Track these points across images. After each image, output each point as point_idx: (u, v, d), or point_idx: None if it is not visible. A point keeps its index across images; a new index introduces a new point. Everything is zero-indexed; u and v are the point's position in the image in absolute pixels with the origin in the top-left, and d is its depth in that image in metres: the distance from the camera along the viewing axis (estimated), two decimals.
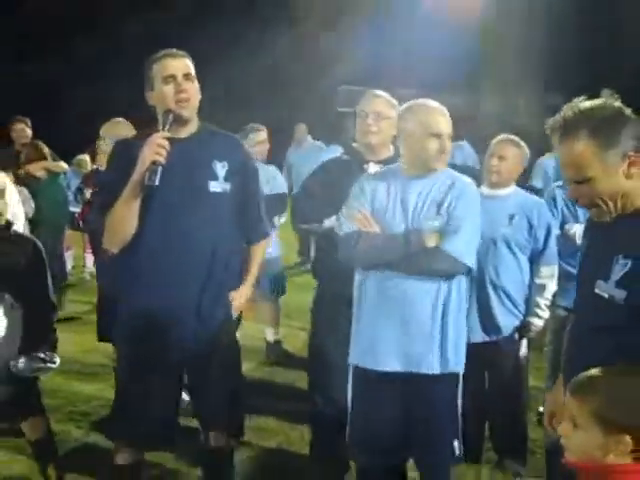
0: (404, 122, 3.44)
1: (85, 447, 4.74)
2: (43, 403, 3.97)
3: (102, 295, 5.20)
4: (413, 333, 3.33)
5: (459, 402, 3.45)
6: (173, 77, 3.28)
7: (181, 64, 3.31)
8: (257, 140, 6.47)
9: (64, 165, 8.26)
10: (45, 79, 16.41)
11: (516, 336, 4.31)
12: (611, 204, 2.35)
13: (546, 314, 4.35)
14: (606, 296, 2.33)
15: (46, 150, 7.83)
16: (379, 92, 4.05)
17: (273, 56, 17.71)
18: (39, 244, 3.92)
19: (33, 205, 6.73)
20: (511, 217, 4.25)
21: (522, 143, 4.35)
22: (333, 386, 3.87)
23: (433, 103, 3.45)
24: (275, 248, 6.40)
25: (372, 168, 3.90)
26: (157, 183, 3.15)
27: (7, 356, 3.56)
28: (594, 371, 2.05)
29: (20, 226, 4.69)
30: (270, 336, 6.75)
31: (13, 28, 17.99)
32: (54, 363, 3.76)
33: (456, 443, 3.41)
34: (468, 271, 3.40)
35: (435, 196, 3.34)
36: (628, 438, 1.95)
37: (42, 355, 3.70)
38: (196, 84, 3.35)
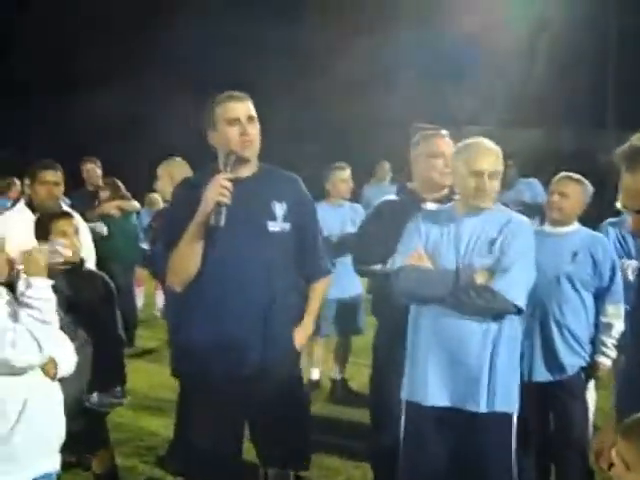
0: (454, 161, 3.51)
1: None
2: (110, 437, 4.06)
3: (170, 331, 5.28)
4: (461, 370, 3.32)
5: (513, 444, 3.39)
6: (237, 120, 3.35)
7: (245, 107, 3.39)
8: (341, 178, 6.56)
9: (136, 204, 8.48)
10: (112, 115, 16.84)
11: (582, 376, 4.23)
12: None
13: (613, 353, 4.25)
14: None
15: (122, 188, 8.06)
16: (444, 132, 4.09)
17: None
18: (108, 280, 4.05)
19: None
20: (574, 254, 4.20)
21: (584, 180, 4.31)
22: (393, 423, 3.85)
23: (482, 141, 3.48)
24: (357, 286, 6.47)
25: (430, 207, 3.93)
26: (223, 224, 3.22)
27: (78, 391, 3.66)
28: None
29: (91, 264, 4.83)
30: (336, 374, 6.77)
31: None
32: (124, 398, 3.86)
33: None
34: (518, 311, 3.36)
35: (488, 234, 3.36)
36: None
37: (112, 390, 3.80)
38: (258, 126, 3.42)
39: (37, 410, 3.00)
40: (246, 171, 3.42)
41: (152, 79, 16.98)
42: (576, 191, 4.28)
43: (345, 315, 6.55)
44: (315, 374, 6.72)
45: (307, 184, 3.61)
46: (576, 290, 4.19)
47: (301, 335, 3.55)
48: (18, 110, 17.17)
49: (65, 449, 3.28)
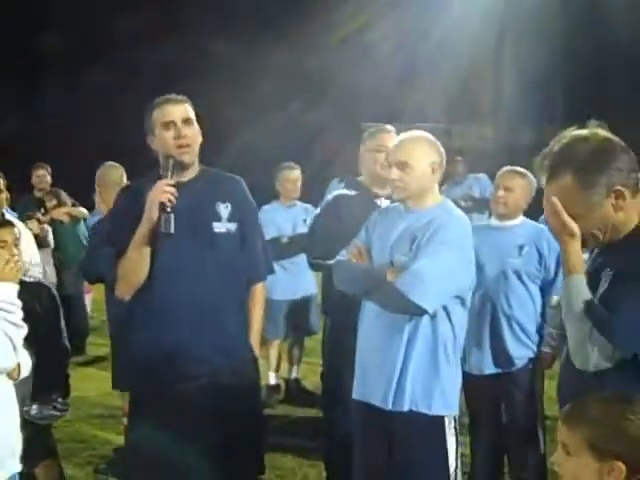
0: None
1: None
2: (56, 447, 3.99)
3: (115, 344, 5.22)
4: (377, 366, 3.28)
5: (449, 445, 3.29)
6: (173, 123, 3.30)
7: (180, 109, 3.33)
8: (289, 178, 6.55)
9: (84, 211, 8.38)
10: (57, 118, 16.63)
11: (530, 367, 4.26)
12: (600, 236, 2.34)
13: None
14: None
15: (64, 197, 7.96)
16: (390, 127, 4.10)
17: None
18: (53, 290, 3.98)
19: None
20: (521, 248, 4.23)
21: (529, 174, 4.33)
22: (345, 421, 3.85)
23: (404, 133, 3.47)
24: (309, 286, 6.46)
25: (383, 203, 3.95)
26: (173, 231, 3.18)
27: (19, 401, 3.59)
28: (585, 398, 2.04)
29: (37, 271, 4.74)
30: (290, 374, 6.76)
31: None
32: (65, 410, 3.79)
33: None
34: (422, 313, 3.18)
35: (413, 231, 3.29)
36: (621, 465, 1.93)
37: (54, 402, 3.73)
38: (196, 128, 3.36)
39: (5, 411, 3.00)
40: (188, 174, 3.38)
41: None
42: (521, 185, 4.29)
43: (297, 316, 6.54)
44: (273, 378, 6.68)
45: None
46: (523, 283, 4.22)
47: (253, 341, 3.51)
48: None
49: None
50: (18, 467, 3.08)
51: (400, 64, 17.93)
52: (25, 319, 3.18)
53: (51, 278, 7.38)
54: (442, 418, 3.28)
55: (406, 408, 3.23)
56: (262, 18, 18.36)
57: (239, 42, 17.23)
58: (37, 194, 8.03)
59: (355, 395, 3.40)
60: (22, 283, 3.49)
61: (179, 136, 3.29)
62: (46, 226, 7.45)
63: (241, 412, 3.35)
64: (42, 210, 7.63)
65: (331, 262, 3.90)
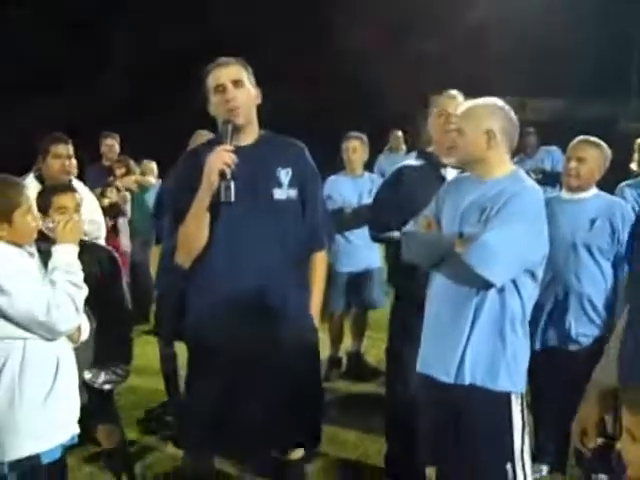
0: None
1: (163, 457, 4.75)
2: (117, 412, 4.01)
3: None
4: (441, 339, 3.19)
5: (514, 422, 3.18)
6: (222, 86, 3.26)
7: (229, 71, 3.29)
8: (353, 147, 6.41)
9: (152, 179, 8.44)
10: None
11: (596, 345, 4.10)
12: None
13: None
14: None
15: (133, 165, 8.01)
16: (455, 92, 3.97)
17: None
18: (115, 255, 3.98)
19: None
20: (592, 221, 4.08)
21: (602, 144, 4.16)
22: (408, 396, 3.78)
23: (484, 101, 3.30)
24: (373, 259, 6.37)
25: (450, 172, 3.84)
26: (233, 199, 3.15)
27: (81, 365, 3.61)
28: None
29: (99, 237, 4.78)
30: (353, 348, 6.71)
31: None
32: (125, 377, 3.80)
33: (509, 466, 3.16)
34: (490, 286, 3.06)
35: (483, 201, 3.15)
36: None
37: (114, 368, 3.75)
38: (248, 90, 3.31)
39: (67, 372, 3.03)
40: (247, 139, 3.33)
41: None
42: (594, 156, 4.13)
43: (360, 289, 6.45)
44: (335, 351, 6.61)
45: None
46: (594, 258, 4.08)
47: (313, 312, 3.48)
48: None
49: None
50: (77, 429, 3.11)
51: (475, 36, 17.64)
52: (86, 283, 3.21)
53: (126, 247, 7.47)
54: (508, 394, 3.17)
55: (468, 382, 3.14)
56: None
57: None
58: (106, 163, 8.09)
59: (419, 368, 3.32)
60: (82, 246, 3.52)
61: (227, 99, 3.24)
62: (126, 193, 7.51)
63: (299, 381, 3.34)
64: (111, 178, 7.68)
65: (394, 234, 3.83)
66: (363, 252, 6.19)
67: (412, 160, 4.20)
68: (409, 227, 3.39)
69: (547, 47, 17.45)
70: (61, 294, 2.89)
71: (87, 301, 3.48)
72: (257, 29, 16.95)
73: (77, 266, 3.02)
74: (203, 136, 5.40)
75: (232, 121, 3.25)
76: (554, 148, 8.69)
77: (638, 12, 17.69)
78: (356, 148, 6.42)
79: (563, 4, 17.04)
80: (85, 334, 3.20)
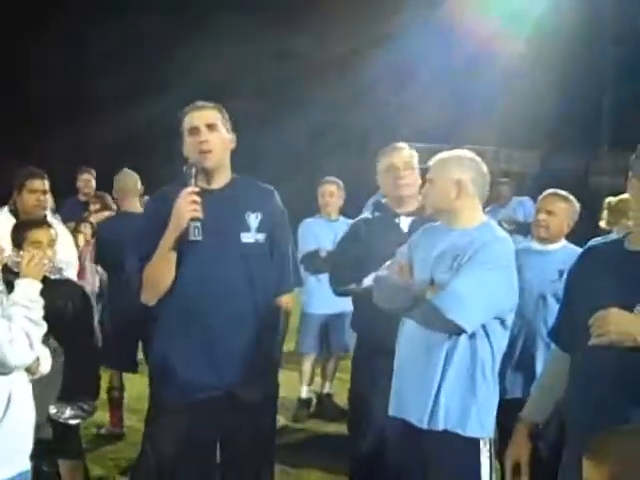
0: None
1: None
2: (82, 448, 4.00)
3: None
4: (415, 384, 3.22)
5: (482, 468, 3.21)
6: (197, 129, 3.30)
7: (205, 115, 3.33)
8: (330, 192, 6.50)
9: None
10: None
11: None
12: None
13: None
14: None
15: (109, 201, 8.01)
16: (401, 144, 4.07)
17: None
18: (87, 290, 4.00)
19: None
20: (561, 272, 4.13)
21: (571, 198, 4.27)
22: (371, 437, 3.82)
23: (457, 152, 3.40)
24: (346, 302, 6.36)
25: (404, 221, 3.93)
26: (201, 237, 3.18)
27: (47, 400, 3.61)
28: (609, 433, 1.96)
29: (72, 273, 4.78)
30: (323, 389, 6.72)
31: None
32: (90, 413, 3.79)
33: None
34: (460, 331, 3.10)
35: (455, 249, 3.22)
36: None
37: (80, 403, 3.74)
38: (221, 134, 3.34)
39: (19, 407, 2.99)
40: (217, 182, 3.37)
41: None
42: (562, 209, 4.23)
43: (333, 331, 6.48)
44: (305, 392, 6.62)
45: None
46: None
47: None
48: None
49: (37, 456, 3.26)
50: (27, 465, 3.07)
51: (448, 87, 17.89)
52: (56, 318, 3.22)
53: (93, 286, 7.42)
54: (477, 440, 3.21)
55: (441, 427, 3.18)
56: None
57: None
58: (82, 198, 8.10)
59: (391, 411, 3.34)
60: (55, 282, 3.54)
61: (200, 141, 3.28)
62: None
63: (254, 424, 3.34)
64: (86, 214, 7.68)
65: (352, 287, 3.91)
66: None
67: (367, 213, 4.27)
68: (381, 272, 3.45)
69: (521, 97, 17.74)
70: (16, 329, 2.88)
71: (57, 335, 3.50)
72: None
73: (37, 301, 3.00)
74: (129, 175, 6.04)
75: (201, 163, 3.28)
76: (526, 199, 8.84)
77: (606, 66, 18.12)
78: (332, 192, 6.50)
79: (537, 56, 17.40)
80: (46, 367, 3.18)
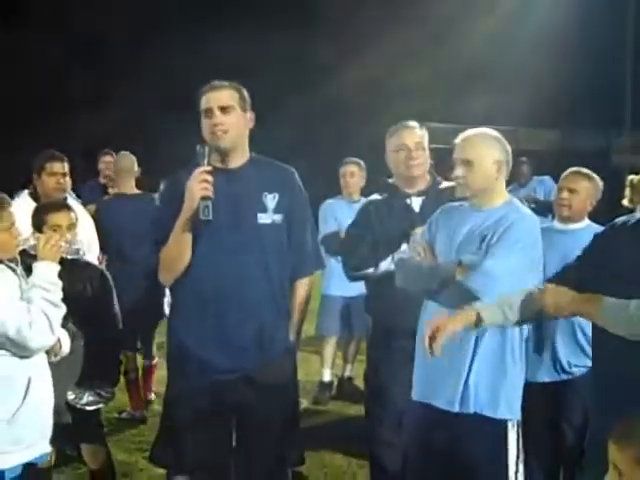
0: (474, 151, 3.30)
1: (151, 478, 4.70)
2: (102, 433, 4.00)
3: None
4: (441, 367, 3.19)
5: (510, 450, 3.22)
6: (210, 110, 3.28)
7: (219, 96, 3.30)
8: (352, 172, 6.45)
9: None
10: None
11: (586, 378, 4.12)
12: None
13: None
14: None
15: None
16: (412, 123, 4.00)
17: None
18: (107, 274, 3.99)
19: None
20: None
21: (594, 176, 4.20)
22: (386, 420, 3.83)
23: (489, 131, 3.37)
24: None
25: (415, 202, 3.88)
26: (211, 217, 3.17)
27: (66, 385, 3.60)
28: (635, 416, 1.94)
29: (92, 256, 4.77)
30: (344, 372, 6.72)
31: None
32: (109, 399, 3.79)
33: None
34: None
35: (483, 230, 3.21)
36: None
37: (98, 390, 3.73)
38: (237, 115, 3.31)
39: (39, 390, 3.02)
40: (234, 162, 3.35)
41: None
42: (585, 187, 4.16)
43: (353, 313, 6.46)
44: (327, 375, 6.61)
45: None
46: None
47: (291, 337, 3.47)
48: None
49: (57, 440, 3.28)
50: (47, 448, 3.10)
51: (468, 66, 17.77)
52: (75, 300, 3.22)
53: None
54: (506, 422, 3.22)
55: (472, 410, 3.18)
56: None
57: None
58: (102, 180, 8.09)
59: (416, 397, 3.33)
60: (73, 264, 3.52)
61: (214, 124, 3.26)
62: None
63: (274, 405, 3.33)
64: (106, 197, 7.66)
65: (369, 271, 3.86)
66: None
67: (376, 195, 4.19)
68: (403, 254, 3.42)
69: (541, 77, 17.60)
70: (36, 312, 2.89)
71: (75, 319, 3.50)
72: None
73: (56, 284, 3.02)
74: (126, 157, 6.18)
75: (213, 144, 3.27)
76: (546, 178, 8.76)
77: (628, 45, 17.92)
78: (354, 173, 6.46)
79: (558, 36, 17.23)
80: (66, 348, 3.20)
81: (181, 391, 3.38)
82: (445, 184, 3.91)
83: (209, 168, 3.20)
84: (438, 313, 3.22)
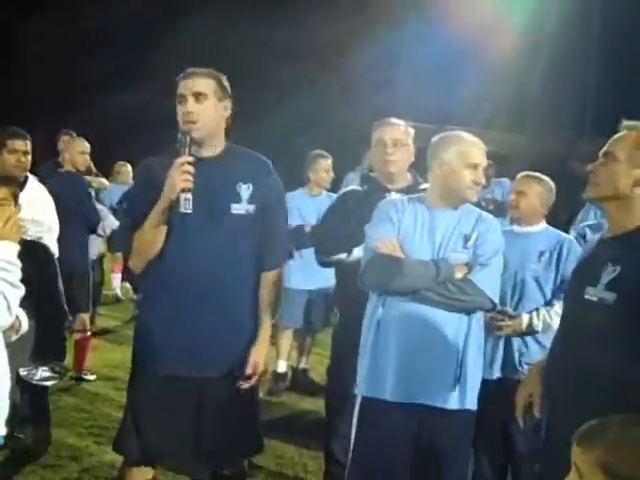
0: (440, 151, 3.38)
1: (101, 463, 4.67)
2: (49, 413, 3.98)
3: None
4: (430, 365, 3.25)
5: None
6: (184, 97, 3.23)
7: (194, 83, 3.24)
8: (323, 166, 6.49)
9: (104, 181, 8.38)
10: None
11: None
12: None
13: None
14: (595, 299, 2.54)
15: (91, 166, 7.91)
16: (395, 120, 4.03)
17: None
18: (51, 250, 3.95)
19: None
20: (540, 254, 4.16)
21: (545, 179, 4.29)
22: (348, 414, 3.82)
23: (469, 135, 3.42)
24: (329, 278, 6.34)
25: (393, 197, 3.88)
26: (190, 209, 3.16)
27: (17, 364, 3.57)
28: (601, 419, 1.96)
29: (52, 237, 4.69)
30: (299, 364, 6.73)
31: None
32: (63, 374, 3.78)
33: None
34: (493, 307, 3.37)
35: (462, 229, 3.31)
36: None
37: (52, 365, 3.73)
38: (211, 104, 3.25)
39: None
40: (209, 151, 3.31)
41: None
42: (535, 190, 4.23)
43: (312, 307, 6.48)
44: (282, 366, 6.61)
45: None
46: (541, 289, 4.15)
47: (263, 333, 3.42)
48: None
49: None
50: (3, 430, 3.05)
51: (436, 66, 17.83)
52: (26, 278, 3.17)
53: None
54: (474, 413, 3.36)
55: (468, 406, 3.32)
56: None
57: None
58: (62, 160, 7.98)
59: (395, 398, 3.30)
60: (21, 243, 3.47)
61: (185, 112, 3.22)
62: None
63: (235, 393, 3.31)
64: None
65: (341, 256, 3.90)
66: (317, 271, 6.17)
67: (356, 185, 4.24)
68: (371, 250, 3.39)
69: (504, 80, 17.74)
70: None
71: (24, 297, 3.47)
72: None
73: (15, 264, 2.96)
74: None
75: (188, 133, 3.21)
76: (505, 180, 8.84)
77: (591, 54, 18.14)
78: (328, 168, 6.47)
79: (526, 42, 17.39)
80: (25, 327, 3.17)
81: (144, 379, 3.35)
82: (425, 185, 3.89)
83: (190, 159, 3.15)
84: (422, 314, 3.27)
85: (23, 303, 3.17)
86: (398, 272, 3.27)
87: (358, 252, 3.78)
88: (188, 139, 3.20)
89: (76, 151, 6.50)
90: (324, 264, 4.19)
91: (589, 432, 1.94)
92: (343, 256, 3.88)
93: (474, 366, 3.31)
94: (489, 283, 3.28)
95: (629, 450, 1.86)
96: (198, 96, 3.23)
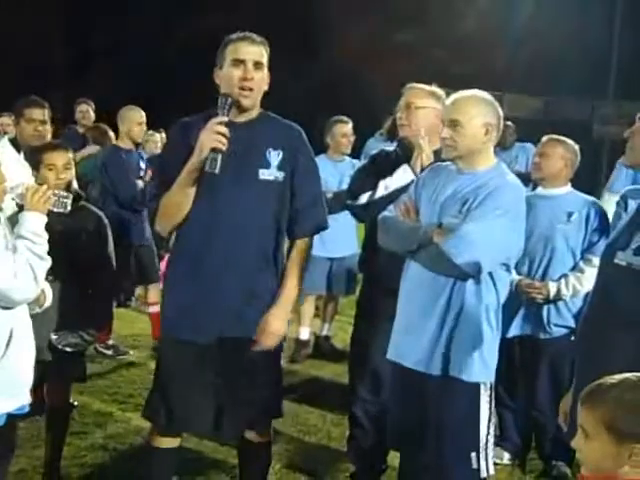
0: (462, 115, 3.23)
1: (126, 430, 4.72)
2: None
3: None
4: (421, 330, 3.20)
5: (482, 412, 3.24)
6: (243, 62, 3.20)
7: (255, 50, 3.22)
8: (342, 132, 6.42)
9: None
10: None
11: (566, 337, 4.15)
12: None
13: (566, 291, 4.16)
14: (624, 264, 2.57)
15: (111, 135, 7.89)
16: (420, 86, 3.95)
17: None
18: (104, 219, 3.96)
19: None
20: (569, 214, 4.18)
21: (568, 142, 4.27)
22: (370, 379, 3.84)
23: (478, 93, 3.31)
24: (352, 246, 6.35)
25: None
26: (218, 171, 3.09)
27: (48, 326, 3.62)
28: (605, 379, 1.94)
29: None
30: (322, 331, 6.72)
31: None
32: (91, 343, 3.82)
33: (473, 455, 3.22)
34: (467, 276, 3.12)
35: (465, 193, 3.18)
36: None
37: (82, 332, 3.76)
38: (264, 73, 3.26)
39: (20, 342, 2.96)
40: (244, 116, 3.28)
41: None
42: (558, 153, 4.24)
43: (337, 274, 6.45)
44: (304, 333, 6.57)
45: None
46: (570, 249, 4.17)
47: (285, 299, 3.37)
48: None
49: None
50: (28, 399, 3.07)
51: (456, 30, 17.67)
52: (71, 245, 3.23)
53: None
54: (478, 385, 3.22)
55: (441, 372, 3.18)
56: None
57: None
58: (80, 129, 7.99)
59: (390, 356, 3.34)
60: (73, 208, 3.48)
61: (245, 78, 3.18)
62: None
63: (260, 361, 3.30)
64: (84, 146, 7.56)
65: (370, 196, 3.82)
66: (340, 238, 6.15)
67: (390, 146, 4.20)
68: (387, 212, 3.40)
69: (528, 45, 17.55)
70: (21, 262, 2.83)
71: (69, 262, 3.50)
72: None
73: (42, 236, 2.97)
74: (132, 110, 6.22)
75: (238, 99, 3.18)
76: (529, 145, 8.70)
77: (616, 17, 17.88)
78: (347, 133, 6.43)
79: (547, 5, 17.16)
80: (49, 300, 3.16)
81: (170, 346, 3.35)
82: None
83: (226, 119, 3.12)
84: (418, 274, 3.24)
85: (71, 271, 3.18)
86: (392, 234, 3.32)
87: (382, 188, 3.76)
88: (229, 101, 3.16)
89: (135, 122, 6.25)
90: (350, 208, 4.10)
91: (593, 392, 1.95)
92: (368, 194, 3.83)
93: (461, 334, 3.16)
94: (462, 250, 3.04)
95: (632, 407, 1.87)
96: (257, 64, 3.21)
